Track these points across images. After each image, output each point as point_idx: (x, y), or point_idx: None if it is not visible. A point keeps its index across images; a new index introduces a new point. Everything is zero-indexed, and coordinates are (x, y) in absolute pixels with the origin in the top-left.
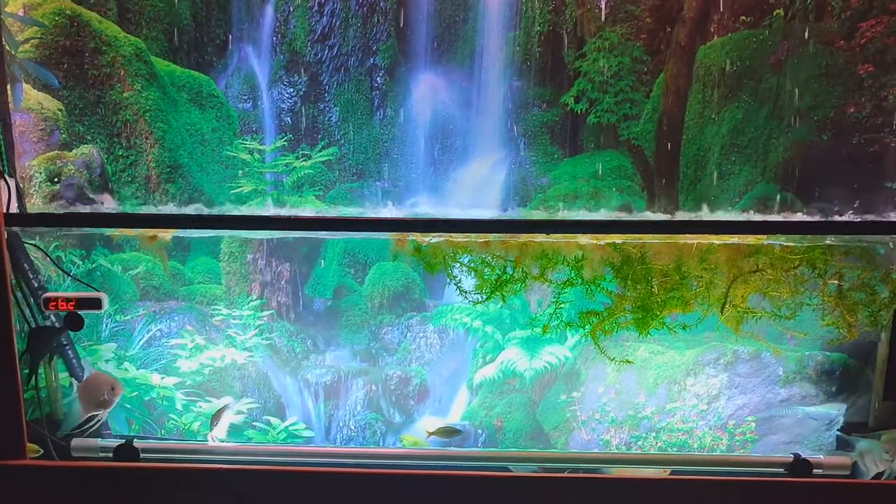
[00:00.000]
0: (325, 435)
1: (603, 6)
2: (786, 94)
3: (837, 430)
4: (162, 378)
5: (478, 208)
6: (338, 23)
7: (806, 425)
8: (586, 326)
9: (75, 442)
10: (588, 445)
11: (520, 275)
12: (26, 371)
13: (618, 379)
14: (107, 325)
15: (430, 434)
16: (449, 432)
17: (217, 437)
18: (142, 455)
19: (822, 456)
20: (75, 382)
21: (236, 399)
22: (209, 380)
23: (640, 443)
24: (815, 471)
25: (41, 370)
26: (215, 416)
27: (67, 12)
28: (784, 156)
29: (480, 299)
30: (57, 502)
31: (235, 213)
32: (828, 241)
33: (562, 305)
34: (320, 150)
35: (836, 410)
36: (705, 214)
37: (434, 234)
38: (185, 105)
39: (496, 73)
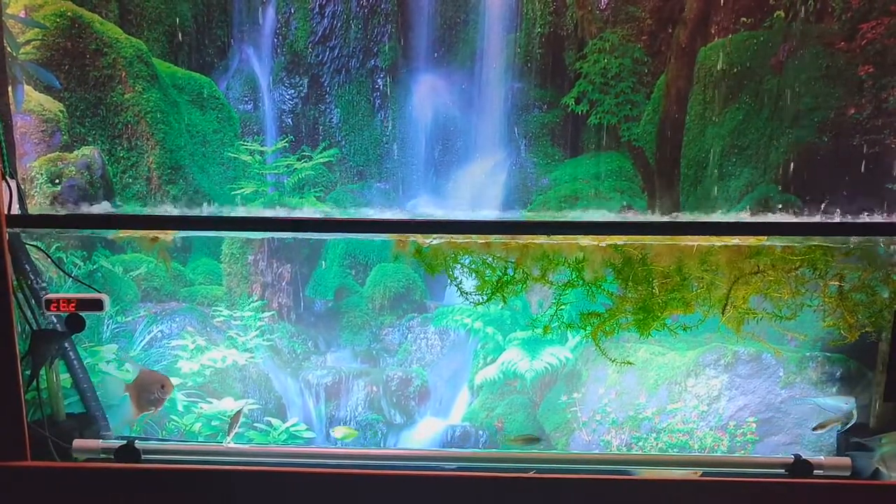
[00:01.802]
0: (326, 436)
1: (604, 7)
2: (786, 95)
3: (838, 430)
4: None
5: (479, 209)
6: (338, 24)
7: (807, 426)
8: (587, 327)
9: (76, 443)
10: (589, 446)
11: (521, 276)
12: (27, 373)
13: (618, 380)
14: (108, 327)
15: (511, 442)
16: (529, 440)
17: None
18: (143, 456)
19: (822, 457)
20: (124, 383)
21: (237, 400)
22: (210, 381)
23: (640, 444)
24: (815, 472)
25: (42, 371)
26: (233, 421)
27: (69, 14)
28: (785, 157)
29: (481, 300)
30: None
31: (236, 214)
32: (828, 243)
33: (563, 306)
34: (321, 152)
35: (846, 404)
36: (706, 216)
37: (435, 236)
38: (186, 106)
39: (497, 74)
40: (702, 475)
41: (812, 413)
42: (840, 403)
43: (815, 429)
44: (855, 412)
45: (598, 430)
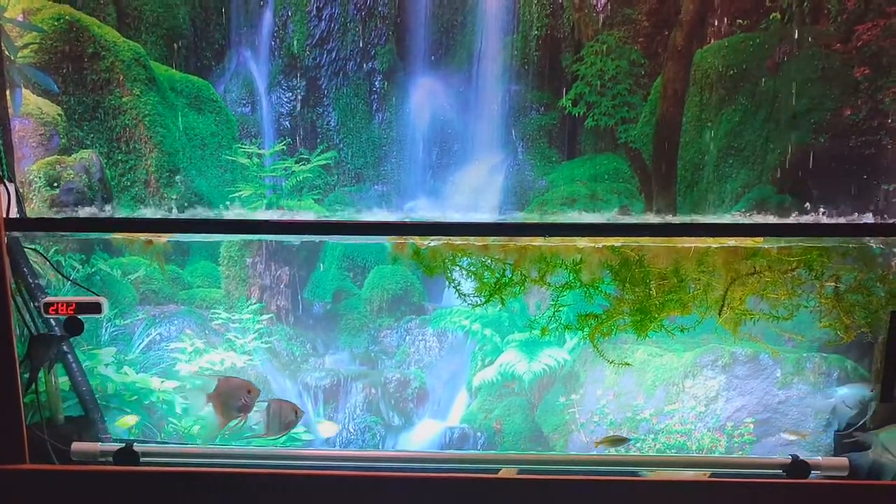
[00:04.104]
0: (325, 438)
1: (600, 10)
2: (782, 97)
3: (836, 430)
4: (162, 382)
5: (476, 211)
6: (336, 27)
7: (806, 426)
8: (585, 329)
9: (75, 446)
10: (587, 448)
11: (518, 278)
12: (26, 376)
13: (616, 381)
14: (106, 329)
15: (598, 444)
16: (616, 441)
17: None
18: (142, 459)
19: (820, 457)
20: (205, 395)
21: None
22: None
23: (638, 445)
24: (813, 472)
25: (41, 375)
26: (274, 415)
27: (66, 17)
28: (781, 158)
29: (479, 302)
30: None
31: (234, 216)
32: (825, 243)
33: (560, 308)
34: (319, 154)
35: (871, 391)
36: (703, 217)
37: (433, 238)
38: (183, 109)
39: (494, 76)
40: (711, 476)
41: (812, 412)
42: (865, 391)
43: (786, 433)
44: (873, 403)
45: (597, 432)
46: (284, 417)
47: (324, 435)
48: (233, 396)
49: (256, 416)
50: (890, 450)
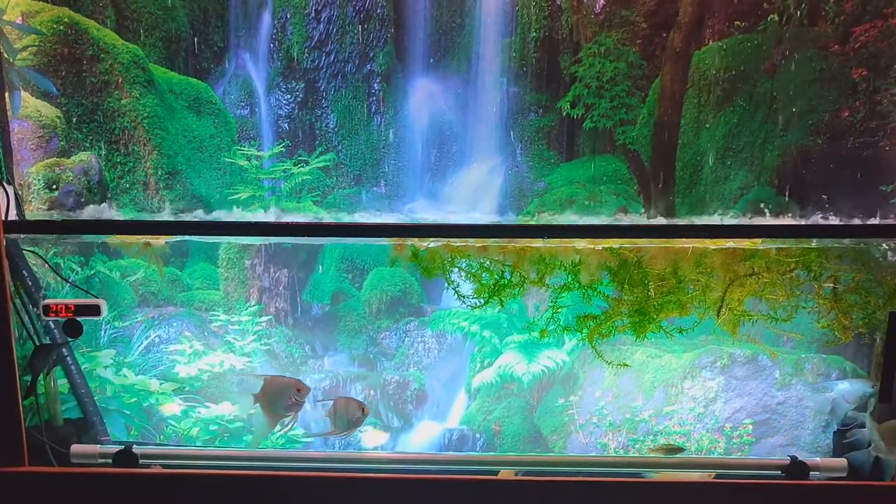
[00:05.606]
0: (324, 440)
1: (598, 11)
2: (781, 98)
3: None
4: (161, 384)
5: (475, 213)
6: (334, 29)
7: (805, 427)
8: (583, 330)
9: (74, 448)
10: (586, 449)
11: (517, 279)
12: (26, 378)
13: (615, 382)
14: (105, 332)
15: (652, 451)
16: (672, 450)
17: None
18: (141, 461)
19: (818, 458)
20: (252, 395)
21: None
22: (208, 385)
23: (637, 446)
24: (812, 473)
25: (40, 378)
26: (338, 412)
27: (65, 20)
28: (779, 160)
29: (478, 304)
30: None
31: (233, 219)
32: (824, 245)
33: (559, 310)
34: (318, 157)
35: (872, 387)
36: (701, 218)
37: (431, 239)
38: (182, 112)
39: (492, 78)
40: (715, 477)
41: (811, 412)
42: (865, 387)
43: None
44: (874, 399)
45: (595, 433)
46: (351, 415)
47: (369, 444)
48: (281, 395)
49: (320, 415)
50: (884, 435)
